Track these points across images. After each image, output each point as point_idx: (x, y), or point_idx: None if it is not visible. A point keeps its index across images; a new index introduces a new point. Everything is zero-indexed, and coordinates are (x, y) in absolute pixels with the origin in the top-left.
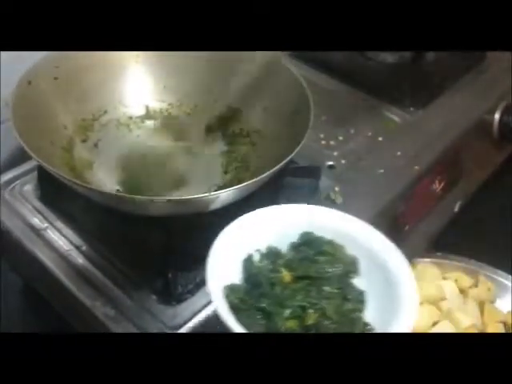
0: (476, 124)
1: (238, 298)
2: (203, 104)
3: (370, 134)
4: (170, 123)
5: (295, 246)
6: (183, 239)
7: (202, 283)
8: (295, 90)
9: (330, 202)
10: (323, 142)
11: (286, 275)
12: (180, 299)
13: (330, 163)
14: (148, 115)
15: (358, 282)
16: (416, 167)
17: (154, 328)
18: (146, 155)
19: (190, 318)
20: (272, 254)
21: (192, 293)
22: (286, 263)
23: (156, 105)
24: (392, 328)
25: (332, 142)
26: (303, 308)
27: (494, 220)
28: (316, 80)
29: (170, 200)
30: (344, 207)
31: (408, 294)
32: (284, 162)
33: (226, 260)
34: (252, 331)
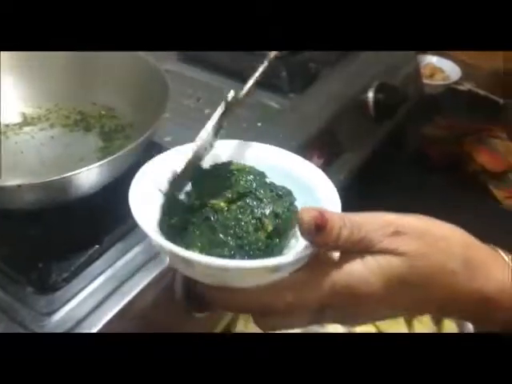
0: (351, 103)
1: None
2: (80, 105)
3: (250, 120)
4: (46, 127)
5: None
6: (56, 229)
7: (78, 271)
8: (158, 81)
9: None
10: None
11: (220, 203)
12: (55, 288)
13: None
14: (26, 122)
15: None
16: (293, 143)
17: (29, 317)
18: (25, 158)
19: (64, 304)
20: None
21: (68, 281)
22: (208, 193)
23: (33, 111)
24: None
25: None
26: (259, 220)
27: (377, 193)
28: (205, 79)
29: (20, 185)
30: None
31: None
32: (141, 138)
33: (147, 200)
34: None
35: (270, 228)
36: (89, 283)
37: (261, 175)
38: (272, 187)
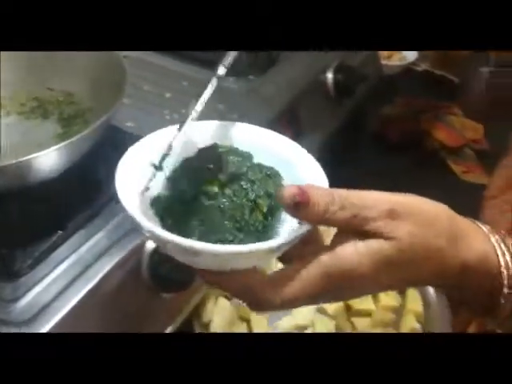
0: (311, 84)
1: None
2: (36, 92)
3: (212, 104)
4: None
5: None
6: (19, 215)
7: (42, 257)
8: (115, 66)
9: None
10: (167, 117)
11: (213, 188)
12: (19, 274)
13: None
14: None
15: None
16: (253, 124)
17: None
18: None
19: (29, 290)
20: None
21: (32, 267)
22: (199, 179)
23: None
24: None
25: (176, 116)
26: (253, 201)
27: (338, 174)
28: (164, 64)
29: None
30: None
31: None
32: (98, 122)
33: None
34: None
35: (264, 209)
36: (53, 269)
37: (248, 156)
38: (261, 168)
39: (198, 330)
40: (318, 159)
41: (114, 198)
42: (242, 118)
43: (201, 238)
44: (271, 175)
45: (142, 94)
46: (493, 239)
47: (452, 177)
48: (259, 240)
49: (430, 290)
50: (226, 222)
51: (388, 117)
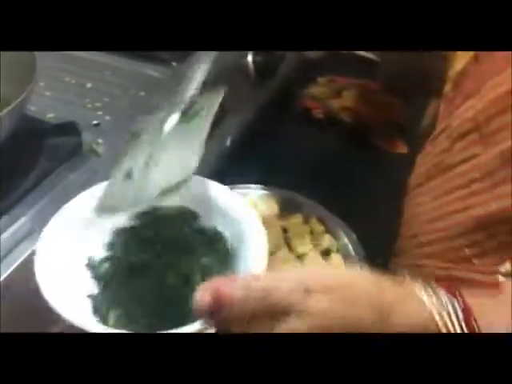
0: (233, 67)
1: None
2: None
3: (133, 91)
4: None
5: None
6: None
7: None
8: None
9: (94, 155)
10: (89, 106)
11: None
12: None
13: (95, 122)
14: None
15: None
16: (175, 109)
17: None
18: None
19: None
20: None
21: None
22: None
23: None
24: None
25: (98, 104)
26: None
27: (264, 155)
28: (84, 55)
29: None
30: (108, 156)
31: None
32: (5, 111)
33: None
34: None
35: (198, 284)
36: None
37: (193, 216)
38: (203, 231)
39: None
40: (243, 142)
41: (37, 184)
42: (162, 103)
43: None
44: (214, 240)
45: (63, 86)
46: (427, 300)
47: (373, 150)
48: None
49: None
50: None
51: (312, 95)
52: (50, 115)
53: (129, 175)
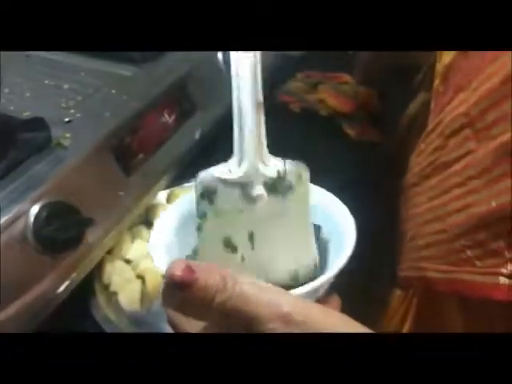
0: (203, 63)
1: None
2: None
3: (104, 90)
4: None
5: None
6: None
7: None
8: None
9: (60, 148)
10: (63, 105)
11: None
12: None
13: (67, 119)
14: None
15: None
16: (145, 102)
17: None
18: None
19: None
20: None
21: None
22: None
23: None
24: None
25: (71, 103)
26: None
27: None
28: (62, 58)
29: None
30: (74, 148)
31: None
32: None
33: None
34: None
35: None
36: None
37: None
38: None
39: (99, 291)
40: (215, 135)
41: (6, 174)
42: (132, 99)
43: None
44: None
45: (42, 88)
46: None
47: (347, 140)
48: None
49: None
50: None
51: (289, 90)
52: (26, 113)
53: (230, 245)
